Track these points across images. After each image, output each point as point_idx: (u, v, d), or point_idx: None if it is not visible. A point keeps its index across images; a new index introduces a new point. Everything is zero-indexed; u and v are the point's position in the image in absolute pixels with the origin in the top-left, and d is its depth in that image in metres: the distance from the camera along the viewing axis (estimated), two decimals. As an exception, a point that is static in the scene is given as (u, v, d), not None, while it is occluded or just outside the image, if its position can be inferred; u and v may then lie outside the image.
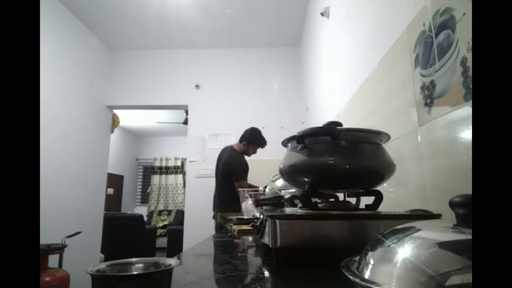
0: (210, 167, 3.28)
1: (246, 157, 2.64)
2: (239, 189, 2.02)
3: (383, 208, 0.69)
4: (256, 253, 0.77)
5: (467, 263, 0.22)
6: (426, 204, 0.73)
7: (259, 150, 2.74)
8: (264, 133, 2.71)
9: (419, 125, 0.77)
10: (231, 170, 2.51)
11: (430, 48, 0.72)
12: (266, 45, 3.56)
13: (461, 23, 0.61)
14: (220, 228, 2.45)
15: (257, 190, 1.84)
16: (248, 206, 1.70)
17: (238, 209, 2.08)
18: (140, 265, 0.41)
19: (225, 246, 0.99)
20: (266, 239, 0.58)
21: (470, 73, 0.57)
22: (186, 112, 3.65)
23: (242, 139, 2.65)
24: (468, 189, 0.28)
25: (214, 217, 2.60)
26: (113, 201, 5.71)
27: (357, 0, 1.39)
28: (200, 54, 3.59)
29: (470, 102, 0.57)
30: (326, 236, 0.54)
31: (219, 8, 2.90)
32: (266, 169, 3.08)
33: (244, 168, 2.54)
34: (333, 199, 0.77)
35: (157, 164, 6.73)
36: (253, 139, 2.61)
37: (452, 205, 0.29)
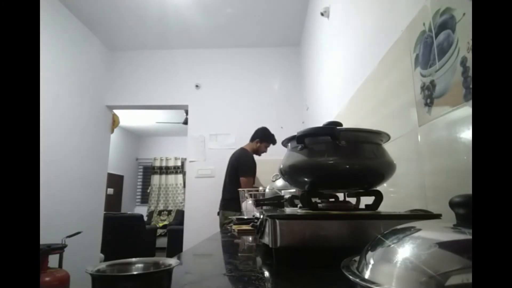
0: (210, 167, 3.28)
1: (256, 157, 2.69)
2: (239, 189, 2.02)
3: (383, 208, 0.69)
4: (256, 253, 0.77)
5: (467, 263, 0.22)
6: (426, 204, 0.73)
7: None
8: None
9: (419, 125, 0.77)
10: (237, 165, 2.56)
11: (430, 48, 0.72)
12: (266, 45, 3.56)
13: (461, 23, 0.61)
14: (220, 226, 2.48)
15: (257, 190, 1.84)
16: (248, 206, 1.70)
17: (238, 209, 2.08)
18: (140, 265, 0.41)
19: (225, 246, 0.99)
20: (266, 239, 0.58)
21: (470, 73, 0.57)
22: (186, 112, 3.65)
23: (253, 137, 2.72)
24: (468, 189, 0.28)
25: (218, 213, 2.65)
26: (113, 201, 5.71)
27: (357, 0, 1.39)
28: (200, 54, 3.59)
29: (470, 102, 0.57)
30: (326, 236, 0.54)
31: (219, 8, 2.90)
32: (266, 169, 3.09)
33: (251, 164, 2.57)
34: (333, 199, 0.77)
35: (157, 164, 6.73)
36: (265, 136, 2.70)
37: (452, 205, 0.29)
